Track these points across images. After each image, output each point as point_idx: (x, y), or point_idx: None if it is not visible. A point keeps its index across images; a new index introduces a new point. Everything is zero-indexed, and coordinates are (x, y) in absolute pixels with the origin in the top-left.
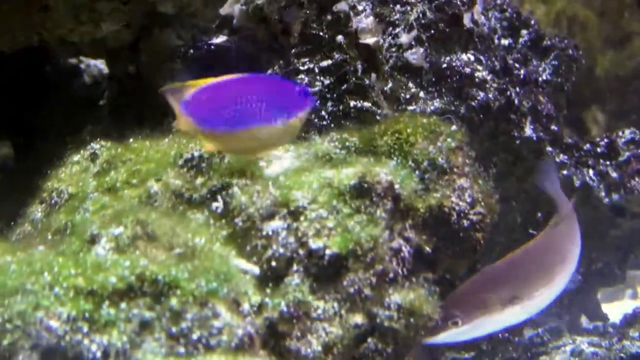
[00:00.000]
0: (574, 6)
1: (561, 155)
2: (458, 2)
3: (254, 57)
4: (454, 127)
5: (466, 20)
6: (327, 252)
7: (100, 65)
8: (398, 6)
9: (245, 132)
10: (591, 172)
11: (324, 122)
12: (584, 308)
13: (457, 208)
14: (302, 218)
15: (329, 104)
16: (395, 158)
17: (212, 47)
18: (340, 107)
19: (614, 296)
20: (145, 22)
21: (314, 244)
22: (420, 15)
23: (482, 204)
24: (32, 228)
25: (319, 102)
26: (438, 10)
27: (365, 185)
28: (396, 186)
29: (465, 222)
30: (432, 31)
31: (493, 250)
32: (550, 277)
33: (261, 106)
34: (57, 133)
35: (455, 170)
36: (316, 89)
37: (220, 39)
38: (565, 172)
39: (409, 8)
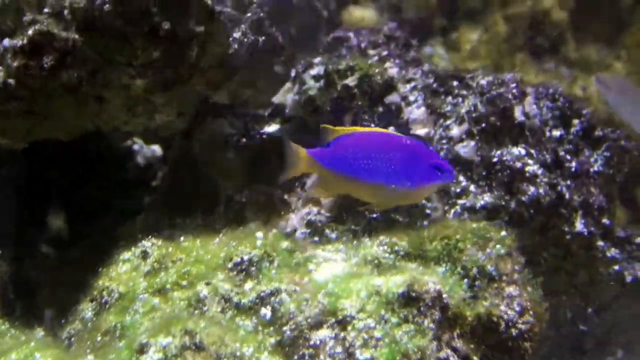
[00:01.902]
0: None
1: (612, 250)
2: (509, 96)
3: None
4: (503, 233)
5: (517, 113)
6: None
7: (154, 147)
8: (450, 98)
9: (367, 184)
10: None
11: (374, 215)
12: None
13: (505, 317)
14: (349, 328)
15: None
16: (444, 265)
17: (264, 135)
18: None
19: None
20: (198, 110)
21: (362, 355)
22: (472, 108)
23: (531, 312)
24: (82, 326)
25: (454, 177)
26: (489, 104)
27: (414, 294)
28: (444, 295)
29: (514, 331)
30: (484, 124)
31: (543, 345)
32: None
33: (391, 166)
34: (108, 214)
35: (504, 277)
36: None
37: (272, 128)
38: (616, 267)
39: (460, 100)
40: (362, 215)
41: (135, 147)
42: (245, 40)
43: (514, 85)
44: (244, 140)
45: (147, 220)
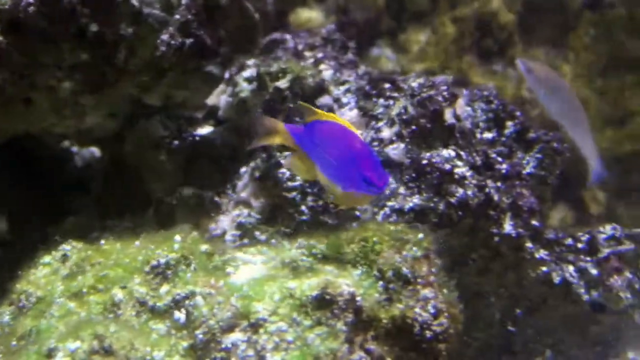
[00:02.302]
0: (574, 85)
1: (541, 251)
2: (440, 98)
3: (238, 149)
4: (420, 235)
5: (448, 116)
6: None
7: (92, 149)
8: (382, 100)
9: (322, 175)
10: (571, 268)
11: (304, 217)
12: None
13: (420, 319)
14: (261, 331)
15: (309, 199)
16: (360, 267)
17: (197, 137)
18: (320, 203)
19: None
20: (132, 111)
21: (272, 358)
22: (402, 110)
23: (446, 314)
24: (0, 331)
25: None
26: (420, 106)
27: (327, 297)
28: (358, 298)
29: (429, 333)
30: (414, 127)
31: (470, 347)
32: None
33: (336, 164)
34: (42, 217)
35: (419, 280)
36: (297, 183)
37: (205, 130)
38: (545, 268)
39: (391, 102)
40: (292, 217)
41: (74, 149)
42: (173, 42)
43: (444, 87)
44: (176, 142)
45: (77, 222)
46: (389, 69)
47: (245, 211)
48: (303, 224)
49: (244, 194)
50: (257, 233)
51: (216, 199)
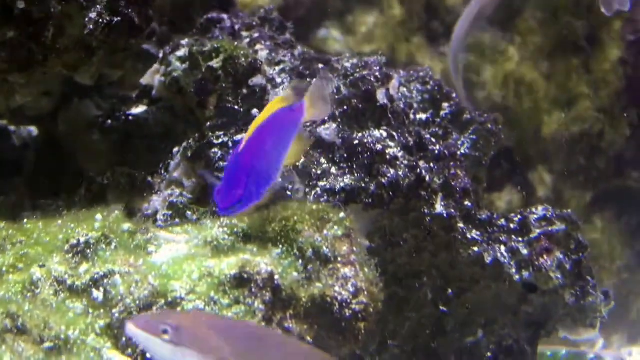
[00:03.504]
0: (522, 68)
1: (473, 232)
2: (372, 79)
3: (171, 129)
4: (342, 215)
5: (380, 96)
6: None
7: (30, 128)
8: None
9: None
10: (503, 248)
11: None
12: None
13: (339, 298)
14: (178, 309)
15: None
16: (280, 246)
17: (130, 117)
18: None
19: None
20: (65, 91)
21: None
22: (334, 90)
23: (366, 293)
24: None
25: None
26: (352, 86)
27: (245, 275)
28: (276, 277)
29: (348, 312)
30: (346, 107)
31: (404, 327)
32: None
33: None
34: None
35: (339, 259)
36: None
37: (139, 110)
38: (476, 248)
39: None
40: None
41: (11, 127)
42: (101, 20)
43: (377, 68)
44: (109, 122)
45: (6, 202)
46: (336, 51)
47: (177, 191)
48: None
49: (176, 174)
50: (188, 213)
51: (149, 179)
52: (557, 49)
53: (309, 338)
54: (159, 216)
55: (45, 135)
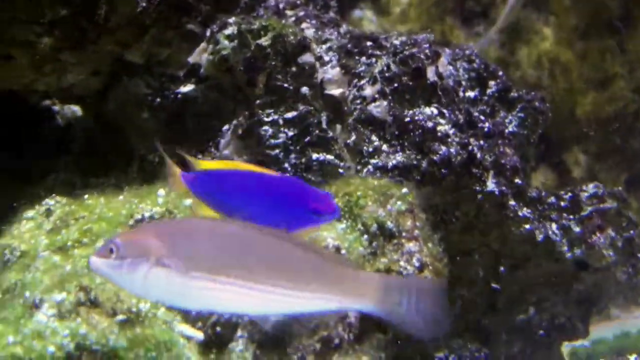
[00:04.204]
0: (556, 49)
1: (524, 209)
2: (422, 56)
3: (220, 107)
4: (405, 190)
5: (430, 74)
6: (271, 318)
7: (74, 108)
8: (364, 58)
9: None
10: (554, 226)
11: (287, 175)
12: None
13: (404, 272)
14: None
15: (292, 156)
16: (345, 221)
17: (179, 95)
18: (303, 160)
19: None
20: (114, 70)
21: None
22: (385, 68)
23: (430, 267)
24: None
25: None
26: (402, 64)
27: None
28: (343, 251)
29: None
30: (396, 84)
31: (455, 304)
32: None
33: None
34: (24, 176)
35: (404, 234)
36: (280, 140)
37: (187, 88)
38: (528, 226)
39: (374, 60)
40: None
41: (56, 107)
42: None
43: (426, 45)
44: (158, 100)
45: (58, 179)
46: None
47: None
48: None
49: (226, 152)
50: None
51: (199, 156)
52: (591, 28)
53: None
54: None
55: (95, 114)
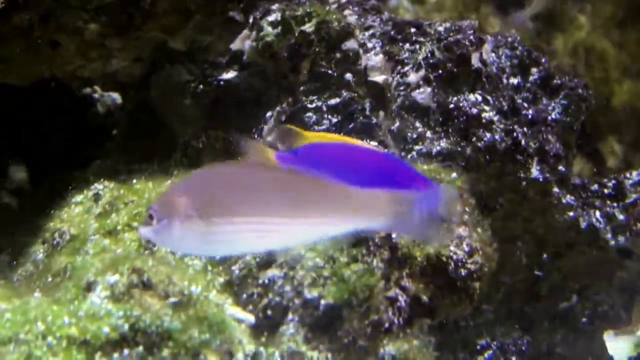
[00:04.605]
0: (592, 37)
1: (568, 196)
2: (466, 42)
3: (263, 93)
4: (454, 175)
5: (474, 60)
6: (322, 302)
7: (114, 95)
8: (407, 45)
9: None
10: (598, 213)
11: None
12: (589, 350)
13: (454, 257)
14: (298, 267)
15: None
16: None
17: (222, 82)
18: None
19: None
20: (156, 57)
21: (309, 293)
22: (429, 54)
23: (480, 252)
24: (34, 268)
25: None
26: (446, 50)
27: (363, 234)
28: (393, 235)
29: (463, 272)
30: (440, 71)
31: (499, 292)
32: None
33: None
34: (67, 163)
35: (453, 218)
36: (323, 127)
37: (230, 75)
38: (571, 213)
39: (417, 47)
40: None
41: (95, 95)
42: None
43: (471, 32)
44: (201, 86)
45: (103, 166)
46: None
47: None
48: None
49: (269, 138)
50: None
51: (243, 142)
52: (628, 17)
53: (424, 297)
54: None
55: (137, 102)
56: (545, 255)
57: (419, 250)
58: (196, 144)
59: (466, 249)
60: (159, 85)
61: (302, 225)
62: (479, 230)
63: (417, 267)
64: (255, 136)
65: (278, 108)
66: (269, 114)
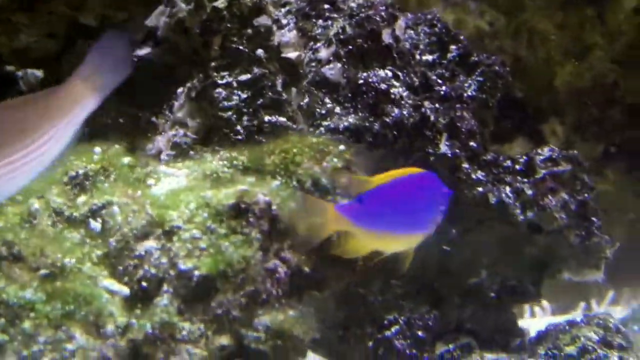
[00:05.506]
0: (535, 19)
1: (478, 172)
2: (377, 18)
3: (175, 70)
4: (341, 147)
5: (386, 36)
6: (196, 273)
7: (37, 73)
8: (321, 21)
9: (404, 236)
10: (508, 189)
11: (239, 137)
12: (498, 325)
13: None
14: (175, 238)
15: (245, 118)
16: (279, 178)
17: (135, 58)
18: (255, 122)
19: (569, 307)
20: (72, 33)
21: (184, 265)
22: (340, 30)
23: None
24: None
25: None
26: (357, 26)
27: (243, 205)
28: (274, 207)
29: None
30: (350, 47)
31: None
32: None
33: (421, 213)
34: None
35: (338, 190)
36: (233, 103)
37: (144, 51)
38: (480, 189)
39: (330, 23)
40: (227, 137)
41: (19, 73)
42: None
43: (382, 8)
44: None
45: None
46: None
47: (181, 131)
48: (238, 143)
49: (180, 114)
50: (192, 153)
51: (153, 119)
52: None
53: (306, 269)
54: (163, 156)
55: (51, 78)
56: (454, 231)
57: (301, 220)
58: (104, 120)
59: None
60: (71, 61)
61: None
62: None
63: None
64: (167, 112)
65: (189, 84)
66: (180, 89)
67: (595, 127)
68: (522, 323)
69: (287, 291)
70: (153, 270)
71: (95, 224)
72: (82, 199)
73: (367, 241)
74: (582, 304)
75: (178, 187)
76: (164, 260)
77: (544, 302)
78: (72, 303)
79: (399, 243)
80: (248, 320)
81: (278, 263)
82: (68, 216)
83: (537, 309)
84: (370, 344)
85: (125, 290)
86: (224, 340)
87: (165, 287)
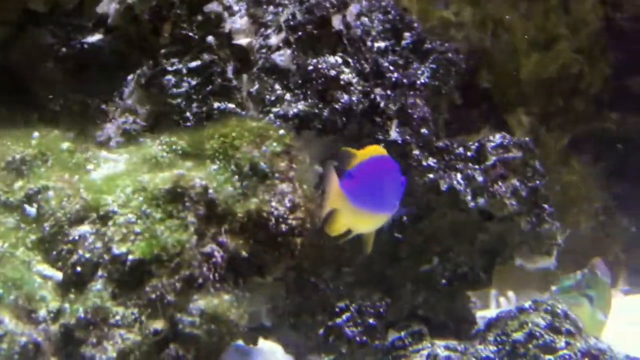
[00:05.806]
0: (500, 9)
1: (430, 159)
2: (327, 5)
3: (125, 56)
4: (282, 132)
5: (336, 23)
6: (130, 257)
7: None
8: (271, 7)
9: (377, 216)
10: (459, 175)
11: (188, 124)
12: (450, 311)
13: (275, 213)
14: (110, 223)
15: (194, 105)
16: (218, 162)
17: (86, 45)
18: (204, 109)
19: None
20: (22, 20)
21: (118, 249)
22: (290, 17)
23: (303, 208)
24: None
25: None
26: (307, 12)
27: (179, 189)
28: (210, 191)
29: (284, 227)
30: (300, 33)
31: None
32: None
33: (391, 194)
34: None
35: (277, 175)
36: (182, 90)
37: (94, 38)
38: (431, 175)
39: (281, 9)
40: (177, 124)
41: None
42: None
43: None
44: (64, 50)
45: None
46: None
47: (131, 118)
48: (187, 130)
49: (129, 101)
50: (141, 139)
51: (103, 106)
52: None
53: (244, 253)
54: (112, 143)
55: (1, 65)
56: (405, 218)
57: (240, 206)
58: (53, 107)
59: (288, 204)
60: (21, 48)
61: None
62: (305, 186)
63: (237, 224)
64: (117, 99)
65: (139, 71)
66: (130, 76)
67: (560, 118)
68: (487, 313)
69: (223, 275)
70: (87, 255)
71: (31, 209)
72: (18, 183)
73: (347, 219)
74: (548, 294)
75: (115, 172)
76: (99, 244)
77: (509, 293)
78: (2, 287)
79: (371, 223)
80: (183, 305)
81: (215, 247)
82: (4, 201)
83: (502, 299)
84: (321, 331)
85: (59, 274)
86: (158, 324)
87: (99, 272)
